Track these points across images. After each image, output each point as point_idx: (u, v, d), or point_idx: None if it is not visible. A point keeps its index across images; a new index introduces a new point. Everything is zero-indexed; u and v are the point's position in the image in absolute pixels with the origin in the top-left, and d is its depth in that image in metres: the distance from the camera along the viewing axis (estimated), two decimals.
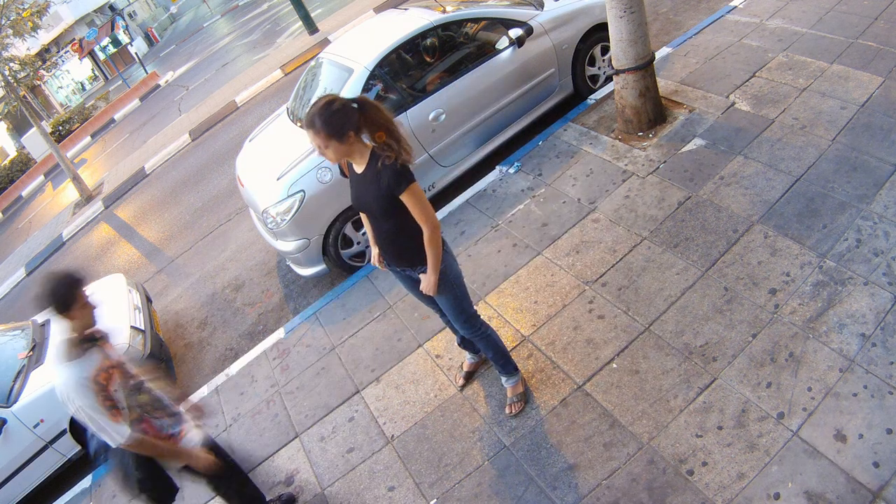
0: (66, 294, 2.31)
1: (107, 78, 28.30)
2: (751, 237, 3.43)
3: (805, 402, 2.61)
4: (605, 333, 3.27)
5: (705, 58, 5.09)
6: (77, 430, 4.27)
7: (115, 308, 4.81)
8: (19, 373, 4.34)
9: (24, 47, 14.80)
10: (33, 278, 9.00)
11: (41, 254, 9.51)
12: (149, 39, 31.08)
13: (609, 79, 5.26)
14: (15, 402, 4.12)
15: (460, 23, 4.81)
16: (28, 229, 11.91)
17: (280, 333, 4.43)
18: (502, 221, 4.35)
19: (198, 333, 5.25)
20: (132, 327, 4.58)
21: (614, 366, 3.09)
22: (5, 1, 9.82)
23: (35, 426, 4.11)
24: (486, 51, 4.75)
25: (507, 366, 3.05)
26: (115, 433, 2.32)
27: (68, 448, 4.30)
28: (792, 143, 3.94)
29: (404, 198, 2.38)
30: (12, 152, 20.41)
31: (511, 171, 4.79)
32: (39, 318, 5.12)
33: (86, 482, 4.13)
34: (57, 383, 2.33)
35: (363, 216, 2.73)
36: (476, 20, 4.87)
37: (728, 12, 5.63)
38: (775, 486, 2.39)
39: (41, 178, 15.29)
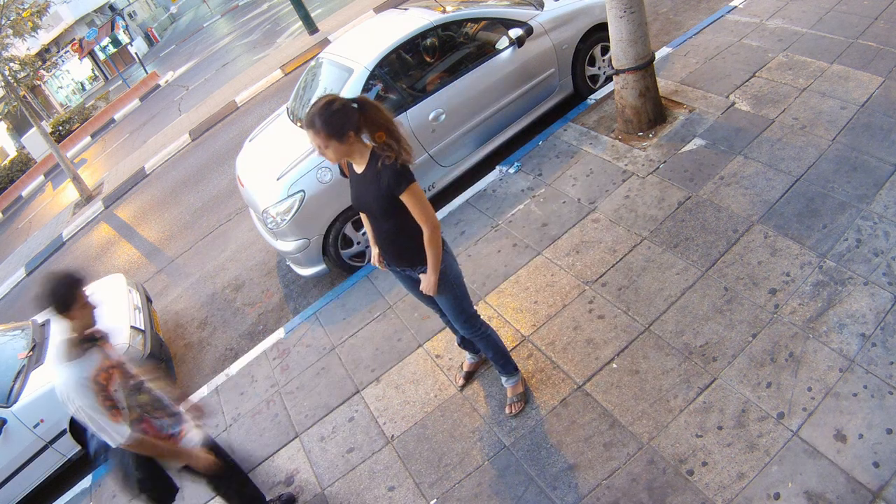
0: (66, 294, 2.31)
1: (107, 78, 28.30)
2: (751, 237, 3.43)
3: (805, 402, 2.61)
4: (605, 333, 3.27)
5: (705, 58, 5.09)
6: (77, 430, 4.27)
7: (115, 308, 4.81)
8: (19, 373, 4.34)
9: (24, 47, 14.80)
10: (33, 278, 9.00)
11: (41, 254, 9.51)
12: (149, 39, 31.08)
13: (609, 79, 5.26)
14: (15, 402, 4.12)
15: (460, 23, 4.81)
16: (28, 229, 11.91)
17: (280, 333, 4.43)
18: (502, 221, 4.35)
19: (198, 333, 5.25)
20: (132, 327, 4.58)
21: (614, 366, 3.09)
22: (5, 1, 9.82)
23: (35, 426, 4.11)
24: (486, 51, 4.75)
25: (507, 366, 3.05)
26: (115, 433, 2.32)
27: (68, 448, 4.30)
28: (792, 143, 3.94)
29: (404, 198, 2.38)
30: (12, 152, 20.41)
31: (511, 171, 4.79)
32: (39, 318, 5.12)
33: (86, 482, 4.13)
34: (57, 383, 2.33)
35: (363, 216, 2.73)
36: (476, 20, 4.87)
37: (728, 12, 5.63)
38: (775, 486, 2.39)
39: (41, 178, 15.29)
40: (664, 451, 2.66)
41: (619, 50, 4.22)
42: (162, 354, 4.81)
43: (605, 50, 5.23)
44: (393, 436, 3.28)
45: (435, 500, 2.91)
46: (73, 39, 23.11)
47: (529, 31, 4.73)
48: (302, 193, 4.25)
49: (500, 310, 3.68)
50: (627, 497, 2.57)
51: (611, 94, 4.92)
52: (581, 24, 4.99)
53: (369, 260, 4.69)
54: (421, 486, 2.99)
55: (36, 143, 16.48)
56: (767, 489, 2.39)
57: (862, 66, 4.34)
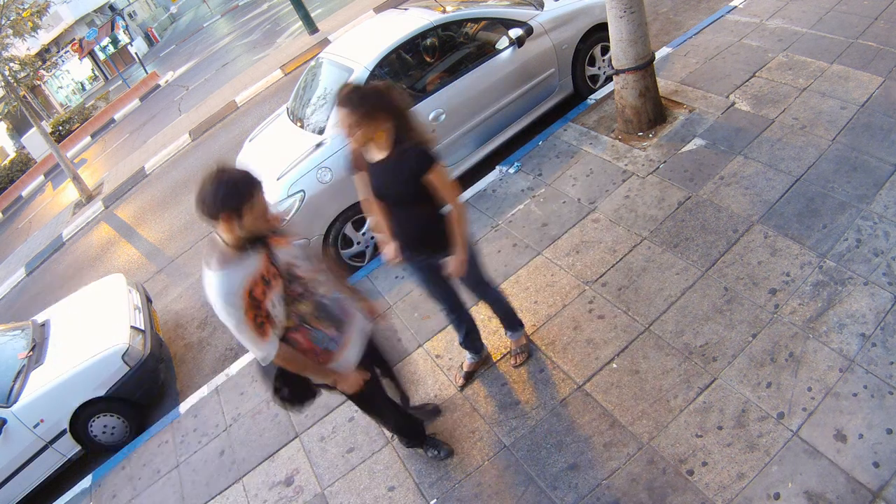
0: (247, 191, 1.95)
1: (107, 78, 28.30)
2: (751, 237, 3.43)
3: (805, 402, 2.61)
4: (605, 333, 3.27)
5: (705, 58, 5.09)
6: (77, 429, 4.27)
7: (115, 308, 4.81)
8: (19, 373, 4.34)
9: (24, 47, 14.81)
10: (32, 278, 9.00)
11: (41, 254, 9.51)
12: (149, 39, 31.07)
13: (609, 79, 5.26)
14: (15, 402, 4.12)
15: (460, 23, 4.81)
16: (28, 229, 11.91)
17: None
18: (502, 221, 4.35)
19: (198, 333, 5.25)
20: (132, 327, 4.58)
21: (614, 366, 3.09)
22: (5, 1, 9.82)
23: (35, 426, 4.11)
24: (486, 51, 4.75)
25: (513, 323, 3.23)
26: (259, 351, 2.10)
27: (68, 448, 4.30)
28: (792, 143, 3.94)
29: (433, 177, 2.43)
30: (12, 152, 20.41)
31: (511, 171, 4.79)
32: (39, 318, 5.13)
33: (86, 482, 4.13)
34: (206, 289, 2.04)
35: (379, 209, 2.73)
36: (476, 20, 4.87)
37: (728, 12, 5.63)
38: (775, 486, 2.39)
39: (41, 178, 15.30)
40: (664, 451, 2.66)
41: (619, 50, 4.22)
42: (162, 354, 4.81)
43: (605, 50, 5.23)
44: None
45: (435, 500, 2.91)
46: (73, 39, 23.12)
47: (529, 31, 4.73)
48: (302, 193, 4.25)
49: None
50: (627, 497, 2.57)
51: (611, 94, 4.92)
52: (581, 24, 4.99)
53: (371, 259, 4.70)
54: (421, 486, 2.99)
55: (36, 143, 16.48)
56: (767, 489, 2.39)
57: (862, 66, 4.34)
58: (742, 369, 2.83)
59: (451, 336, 3.59)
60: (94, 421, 4.30)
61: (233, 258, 2.03)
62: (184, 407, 4.26)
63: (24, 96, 11.42)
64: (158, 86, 17.40)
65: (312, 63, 5.25)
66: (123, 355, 4.31)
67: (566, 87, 5.18)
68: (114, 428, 4.39)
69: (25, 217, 13.20)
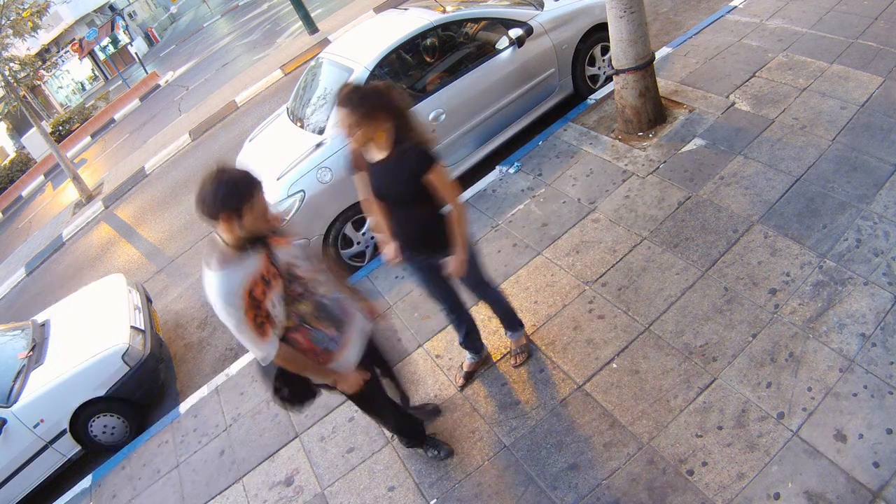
0: (246, 191, 1.95)
1: (107, 78, 28.30)
2: (751, 237, 3.43)
3: (805, 402, 2.61)
4: (605, 333, 3.27)
5: (705, 58, 5.09)
6: (77, 429, 4.27)
7: (115, 308, 4.81)
8: (19, 373, 4.34)
9: (24, 47, 14.81)
10: (32, 278, 9.00)
11: (41, 254, 9.51)
12: (149, 39, 31.07)
13: (609, 79, 5.26)
14: (15, 402, 4.12)
15: (460, 23, 4.81)
16: (28, 229, 11.91)
17: None
18: (502, 221, 4.35)
19: (198, 333, 5.25)
20: (132, 327, 4.58)
21: (614, 366, 3.09)
22: (5, 1, 9.82)
23: (35, 426, 4.11)
24: (486, 51, 4.75)
25: (513, 323, 3.24)
26: (259, 351, 2.10)
27: (68, 448, 4.30)
28: (792, 143, 3.94)
29: (433, 176, 2.43)
30: (12, 152, 20.41)
31: (511, 171, 4.79)
32: (39, 318, 5.13)
33: (86, 482, 4.13)
34: (206, 289, 2.04)
35: (379, 208, 2.74)
36: (476, 20, 4.87)
37: (728, 12, 5.63)
38: (775, 486, 2.39)
39: (41, 178, 15.30)
40: (664, 451, 2.66)
41: (619, 50, 4.22)
42: (162, 354, 4.81)
43: (605, 50, 5.23)
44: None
45: (435, 500, 2.91)
46: (73, 39, 23.12)
47: (529, 31, 4.73)
48: (302, 193, 4.25)
49: None
50: (627, 497, 2.57)
51: (611, 94, 4.92)
52: (581, 24, 4.99)
53: (371, 259, 4.70)
54: (421, 486, 2.99)
55: (36, 143, 16.48)
56: (767, 489, 2.39)
57: (862, 66, 4.34)
58: (742, 369, 2.83)
59: (451, 336, 3.59)
60: (94, 421, 4.30)
61: (233, 258, 2.02)
62: (184, 407, 4.26)
63: (24, 96, 11.42)
64: (158, 86, 17.40)
65: (312, 63, 5.25)
66: (123, 355, 4.31)
67: (566, 87, 5.18)
68: (114, 428, 4.39)
69: (25, 217, 13.20)
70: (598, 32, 5.05)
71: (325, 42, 11.15)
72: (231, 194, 1.94)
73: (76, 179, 10.79)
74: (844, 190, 3.48)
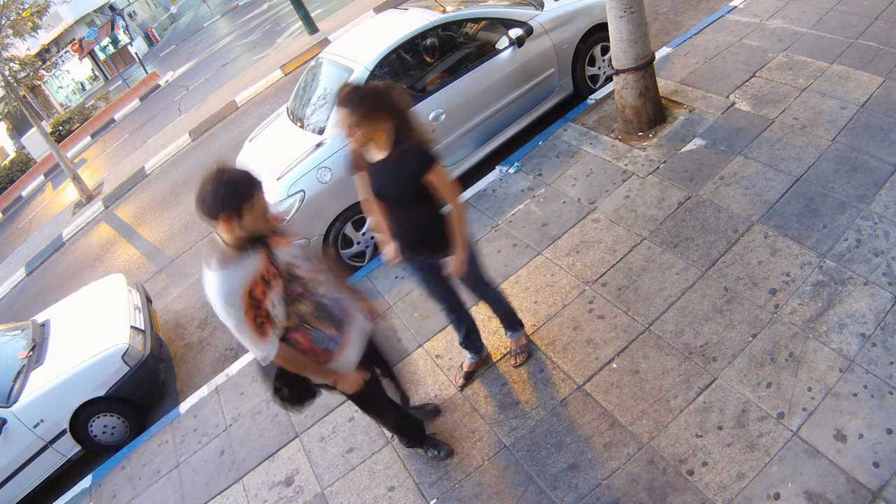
0: (246, 191, 1.94)
1: (107, 78, 28.30)
2: (751, 237, 3.43)
3: (805, 402, 2.61)
4: (605, 333, 3.27)
5: (705, 58, 5.09)
6: (77, 429, 4.27)
7: (115, 308, 4.81)
8: (19, 373, 4.34)
9: (24, 47, 14.81)
10: (32, 278, 9.00)
11: (41, 254, 9.51)
12: (149, 39, 31.07)
13: (609, 79, 5.26)
14: (15, 402, 4.12)
15: (460, 23, 4.81)
16: (28, 229, 11.91)
17: None
18: (502, 221, 4.35)
19: (198, 333, 5.25)
20: (132, 327, 4.58)
21: (614, 366, 3.09)
22: (5, 1, 9.82)
23: (35, 426, 4.11)
24: (486, 51, 4.75)
25: (513, 323, 3.23)
26: (259, 351, 2.10)
27: (68, 448, 4.30)
28: (792, 143, 3.94)
29: (433, 176, 2.43)
30: (12, 152, 20.41)
31: (511, 171, 4.79)
32: (39, 318, 5.12)
33: (86, 482, 4.13)
34: (206, 289, 2.04)
35: (379, 208, 2.74)
36: (476, 20, 4.87)
37: (728, 12, 5.63)
38: (775, 486, 2.39)
39: (41, 178, 15.30)
40: (664, 451, 2.66)
41: (619, 50, 4.22)
42: (162, 354, 4.81)
43: (605, 50, 5.23)
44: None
45: (435, 500, 2.91)
46: (73, 39, 23.12)
47: (529, 31, 4.73)
48: (302, 193, 4.25)
49: None
50: (627, 497, 2.57)
51: (611, 94, 4.92)
52: (581, 24, 4.99)
53: (371, 259, 4.70)
54: (421, 486, 2.99)
55: (36, 143, 16.48)
56: (767, 489, 2.39)
57: (862, 66, 4.34)
58: (742, 369, 2.83)
59: (451, 336, 3.59)
60: (94, 421, 4.30)
61: (233, 258, 2.02)
62: (184, 407, 4.26)
63: (24, 96, 11.43)
64: (158, 86, 17.40)
65: (312, 63, 5.25)
66: (123, 355, 4.31)
67: (566, 87, 5.18)
68: (114, 428, 4.39)
69: (25, 217, 13.20)
70: (598, 32, 5.05)
71: (325, 42, 11.15)
72: (231, 194, 1.94)
73: (76, 179, 10.80)
74: (844, 190, 3.48)
